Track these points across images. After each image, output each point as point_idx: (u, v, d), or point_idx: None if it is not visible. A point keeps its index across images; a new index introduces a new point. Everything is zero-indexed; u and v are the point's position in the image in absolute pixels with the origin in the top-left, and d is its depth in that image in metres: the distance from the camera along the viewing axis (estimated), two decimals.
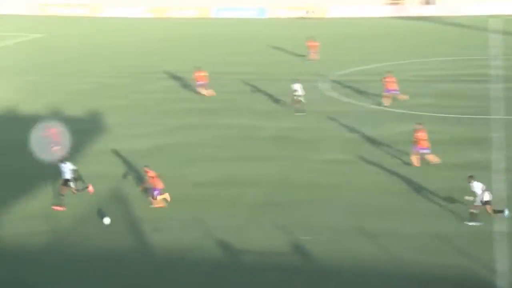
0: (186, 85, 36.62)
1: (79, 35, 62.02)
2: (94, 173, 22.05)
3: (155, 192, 20.06)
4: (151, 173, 20.19)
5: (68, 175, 20.10)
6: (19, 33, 62.53)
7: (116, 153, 25.55)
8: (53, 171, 21.65)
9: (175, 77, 37.57)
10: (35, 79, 40.63)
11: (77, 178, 20.23)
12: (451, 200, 19.89)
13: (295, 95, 30.87)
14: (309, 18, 68.65)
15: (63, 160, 20.76)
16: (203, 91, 34.37)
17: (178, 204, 20.38)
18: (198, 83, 34.57)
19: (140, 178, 22.44)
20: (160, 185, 20.15)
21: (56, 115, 31.32)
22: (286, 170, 23.52)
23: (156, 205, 20.13)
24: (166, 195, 20.35)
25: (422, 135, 23.00)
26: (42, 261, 17.08)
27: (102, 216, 19.33)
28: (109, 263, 16.85)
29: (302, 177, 22.76)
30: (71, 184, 20.09)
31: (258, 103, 32.99)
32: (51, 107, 32.90)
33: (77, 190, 20.22)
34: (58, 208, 20.04)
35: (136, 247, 17.82)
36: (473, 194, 18.38)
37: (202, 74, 34.56)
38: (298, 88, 30.87)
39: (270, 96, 33.95)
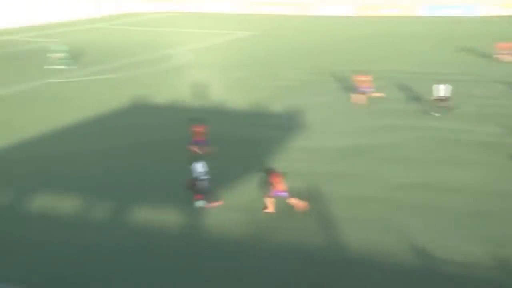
0: (382, 86, 35.39)
1: (288, 33, 63.80)
2: (288, 170, 21.93)
3: (281, 195, 18.99)
4: (277, 175, 19.07)
5: (198, 174, 19.58)
6: (231, 31, 65.86)
7: (313, 150, 25.36)
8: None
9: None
10: (241, 76, 42.12)
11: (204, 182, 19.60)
12: None
13: (436, 97, 29.60)
14: None
15: (198, 159, 20.13)
16: (362, 97, 32.49)
17: (371, 205, 19.55)
18: (361, 88, 32.62)
19: (334, 176, 22.04)
20: (283, 187, 18.97)
21: (257, 112, 32.11)
22: (491, 178, 21.57)
23: (269, 210, 19.20)
24: (296, 201, 19.13)
25: None
26: (233, 254, 17.21)
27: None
28: (295, 260, 16.44)
29: (509, 187, 20.72)
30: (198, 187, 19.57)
31: (461, 106, 30.94)
32: (254, 103, 33.75)
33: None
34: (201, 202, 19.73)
35: (322, 245, 17.24)
36: None
37: (366, 78, 32.78)
38: (442, 88, 29.55)
39: (476, 98, 31.80)
